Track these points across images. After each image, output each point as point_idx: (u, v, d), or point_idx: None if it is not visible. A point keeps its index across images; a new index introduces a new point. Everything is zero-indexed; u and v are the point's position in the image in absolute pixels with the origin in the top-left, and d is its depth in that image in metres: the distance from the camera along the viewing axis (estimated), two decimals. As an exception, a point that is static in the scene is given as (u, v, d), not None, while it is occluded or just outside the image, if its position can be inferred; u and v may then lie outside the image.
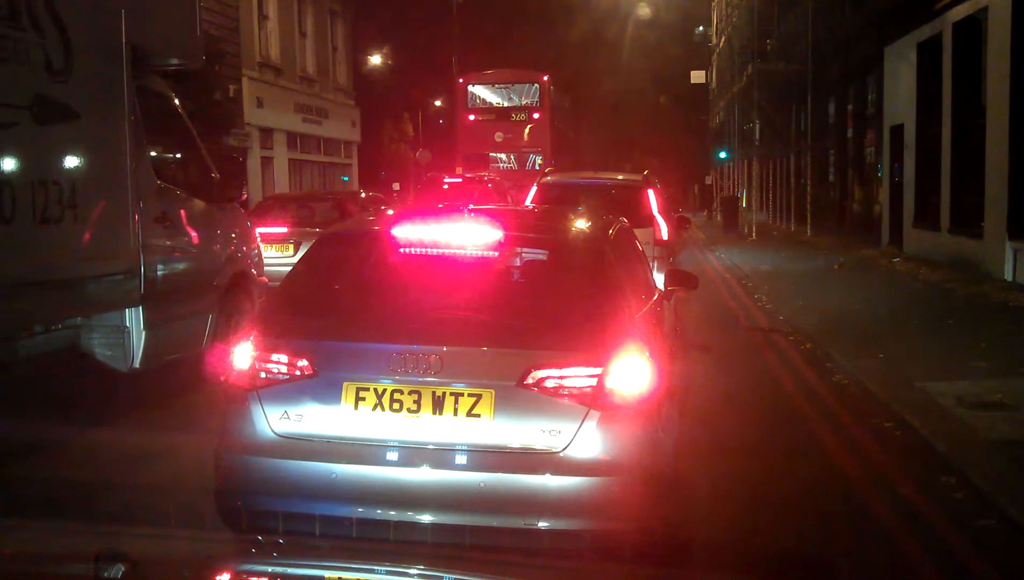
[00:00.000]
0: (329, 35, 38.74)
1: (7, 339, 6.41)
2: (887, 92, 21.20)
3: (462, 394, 4.01)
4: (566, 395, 4.00)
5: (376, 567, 2.20)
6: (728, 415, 7.68)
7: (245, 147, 29.61)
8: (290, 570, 2.22)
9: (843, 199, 26.35)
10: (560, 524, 3.86)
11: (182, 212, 7.95)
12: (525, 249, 5.06)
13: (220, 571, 2.17)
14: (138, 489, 5.11)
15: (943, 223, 17.51)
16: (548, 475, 3.90)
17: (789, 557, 2.66)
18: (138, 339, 7.21)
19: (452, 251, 4.60)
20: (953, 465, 5.73)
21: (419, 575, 2.22)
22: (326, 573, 2.21)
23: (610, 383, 4.02)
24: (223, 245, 8.72)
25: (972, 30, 15.95)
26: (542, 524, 3.85)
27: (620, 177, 15.14)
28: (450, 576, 2.21)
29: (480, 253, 4.64)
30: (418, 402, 4.03)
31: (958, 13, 16.55)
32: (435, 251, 4.62)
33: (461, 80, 32.74)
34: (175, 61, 8.32)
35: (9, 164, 5.95)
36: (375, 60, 46.25)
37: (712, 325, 11.68)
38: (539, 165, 29.41)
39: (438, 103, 58.14)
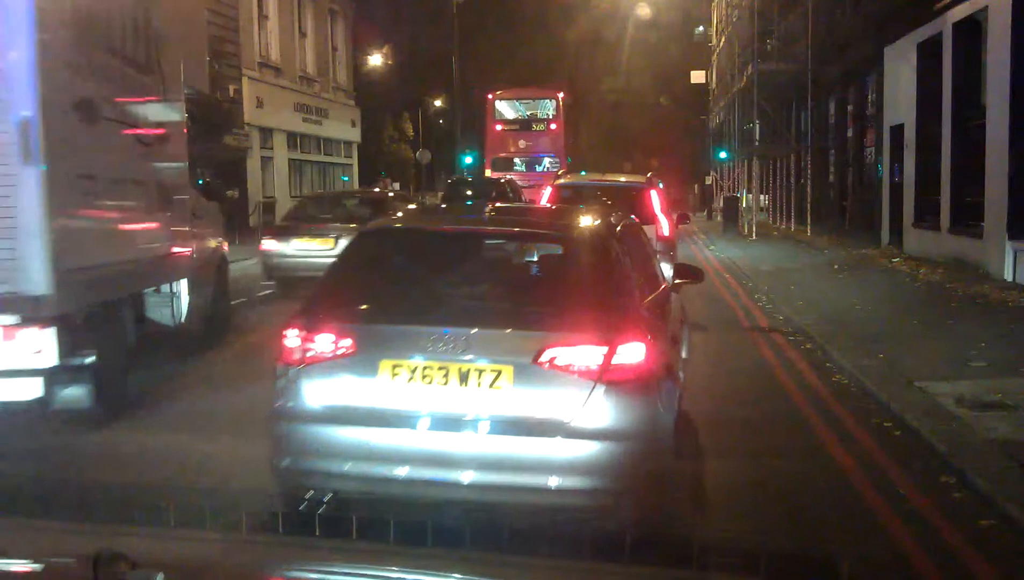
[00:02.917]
0: (329, 35, 38.73)
1: (140, 295, 8.90)
2: (887, 92, 21.21)
3: (485, 370, 4.54)
4: (575, 371, 4.50)
5: (377, 568, 2.22)
6: (727, 415, 7.70)
7: (245, 147, 29.61)
8: (290, 572, 2.23)
9: (843, 199, 26.36)
10: (569, 483, 4.48)
11: (201, 208, 10.47)
12: (542, 244, 5.83)
13: (220, 571, 2.17)
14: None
15: (943, 223, 17.52)
16: (559, 439, 4.45)
17: (789, 557, 2.72)
18: (184, 302, 9.62)
19: (476, 245, 5.62)
20: (953, 465, 5.73)
21: (419, 576, 2.22)
22: (326, 575, 2.22)
23: (614, 361, 4.49)
24: (216, 233, 11.24)
25: (972, 30, 15.97)
26: (553, 482, 4.47)
27: (626, 179, 16.50)
28: (451, 578, 2.23)
29: (501, 247, 5.71)
30: (446, 377, 4.57)
31: (958, 13, 16.56)
32: (461, 245, 5.58)
33: (490, 96, 38.02)
34: (191, 90, 10.29)
35: (143, 175, 8.37)
36: (375, 60, 46.26)
37: (712, 324, 11.68)
38: (550, 168, 34.54)
39: (438, 103, 58.18)
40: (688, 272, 6.92)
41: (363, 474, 4.63)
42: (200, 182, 11.45)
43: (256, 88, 30.84)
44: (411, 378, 4.59)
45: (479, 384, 4.54)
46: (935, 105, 17.75)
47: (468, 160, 51.68)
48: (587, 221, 5.80)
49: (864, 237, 22.50)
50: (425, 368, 4.58)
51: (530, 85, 40.15)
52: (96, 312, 7.20)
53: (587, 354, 4.52)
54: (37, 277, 6.25)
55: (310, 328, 4.77)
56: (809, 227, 28.19)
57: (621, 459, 4.50)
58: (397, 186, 44.97)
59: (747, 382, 8.87)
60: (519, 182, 30.59)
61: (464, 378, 4.55)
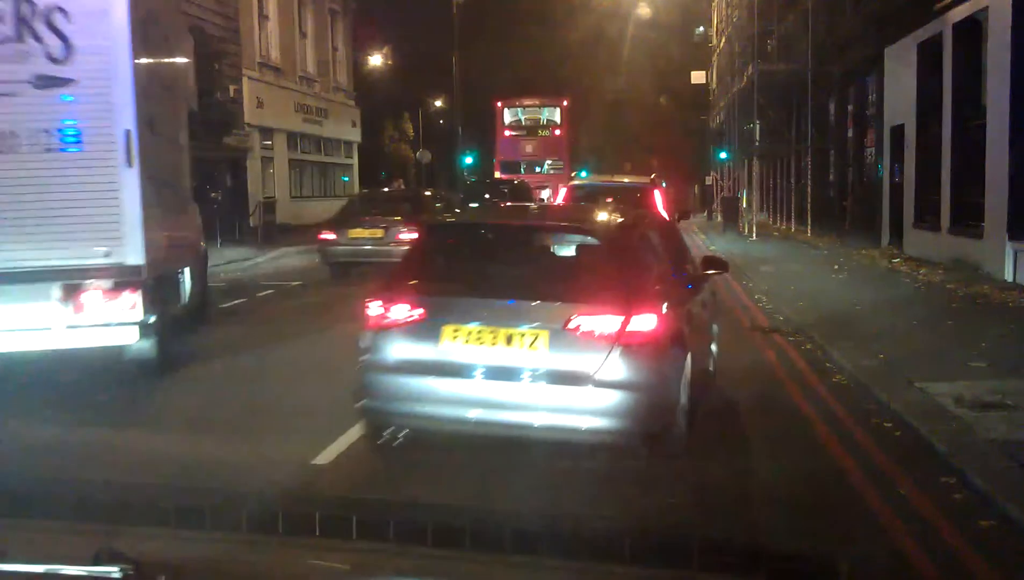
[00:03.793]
0: (329, 35, 38.72)
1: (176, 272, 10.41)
2: (887, 92, 21.21)
3: (525, 333, 5.71)
4: (598, 336, 5.64)
5: (377, 568, 2.24)
6: (727, 414, 7.70)
7: (245, 147, 29.60)
8: (290, 572, 2.23)
9: (843, 199, 26.35)
10: (592, 423, 5.69)
11: (195, 205, 12.02)
12: (574, 235, 7.00)
13: (220, 571, 2.18)
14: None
15: (943, 223, 17.52)
16: (585, 388, 5.62)
17: (789, 556, 2.78)
18: (187, 285, 10.86)
19: (521, 236, 7.14)
20: (953, 465, 5.73)
21: (419, 576, 2.23)
22: (326, 575, 2.24)
23: (629, 328, 5.62)
24: (201, 231, 12.56)
25: (972, 30, 15.97)
26: (580, 422, 5.70)
27: (631, 180, 18.76)
28: (451, 578, 2.25)
29: (541, 238, 7.15)
30: (495, 339, 5.75)
31: (958, 13, 16.57)
32: (509, 236, 7.10)
33: (499, 104, 40.68)
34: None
35: (175, 177, 10.33)
36: (376, 60, 46.26)
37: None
38: (555, 170, 37.90)
39: (439, 103, 58.16)
40: (715, 263, 8.23)
41: (430, 414, 5.95)
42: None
43: (256, 88, 30.83)
44: (467, 340, 5.80)
45: (521, 345, 5.71)
46: (935, 105, 17.76)
47: (468, 160, 51.64)
48: (612, 218, 7.21)
49: (864, 237, 22.50)
50: (479, 332, 5.78)
51: (536, 93, 42.43)
52: (156, 282, 8.89)
53: (607, 322, 5.65)
54: (134, 252, 8.20)
55: (389, 300, 6.00)
56: (809, 227, 28.17)
57: (634, 405, 5.68)
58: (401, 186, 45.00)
59: (747, 382, 8.87)
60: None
61: (509, 340, 5.72)
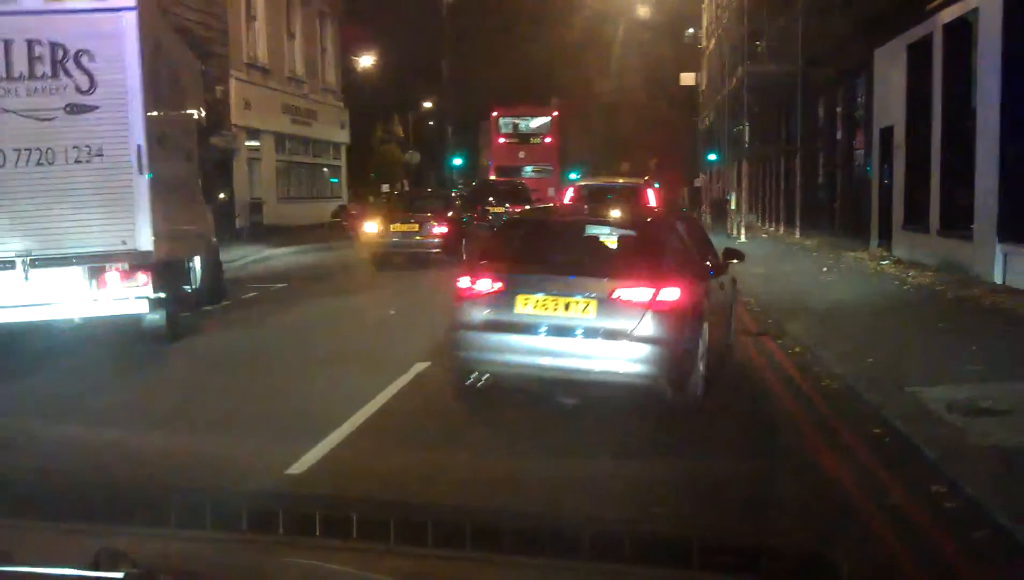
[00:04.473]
0: (318, 36, 38.53)
1: (184, 260, 12.64)
2: (877, 94, 21.14)
3: (579, 301, 7.36)
4: (634, 303, 7.25)
5: (377, 568, 2.25)
6: (716, 420, 7.58)
7: (231, 148, 29.39)
8: (290, 572, 2.25)
9: (832, 201, 26.28)
10: (629, 368, 7.27)
11: (206, 205, 14.37)
12: (617, 228, 8.89)
13: (220, 571, 2.20)
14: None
15: (932, 225, 17.44)
16: (624, 342, 7.23)
17: (789, 557, 2.76)
18: (198, 271, 13.30)
19: (576, 228, 8.94)
20: (945, 473, 5.60)
21: (419, 576, 2.26)
22: (327, 575, 2.25)
23: (658, 298, 7.23)
24: (212, 225, 15.01)
25: (962, 31, 15.88)
26: (619, 367, 7.29)
27: (628, 180, 22.65)
28: (451, 578, 2.28)
29: (594, 230, 8.79)
30: (556, 305, 7.40)
31: (948, 14, 16.49)
32: (566, 228, 9.10)
33: (494, 113, 44.54)
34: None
35: (185, 178, 12.70)
36: (365, 62, 46.03)
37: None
38: (546, 175, 41.73)
39: (428, 105, 57.96)
40: (734, 254, 9.94)
41: (506, 361, 7.62)
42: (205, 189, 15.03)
43: (244, 89, 30.63)
44: (535, 306, 7.44)
45: (576, 310, 7.36)
46: (925, 107, 17.68)
47: (457, 161, 51.50)
48: (648, 215, 10.27)
49: (853, 239, 22.43)
50: (544, 300, 7.43)
51: (529, 104, 46.74)
52: (166, 266, 10.93)
53: (641, 293, 7.27)
54: (145, 239, 10.21)
55: (474, 276, 7.75)
56: (798, 229, 28.11)
57: (660, 355, 7.22)
58: (387, 188, 44.83)
59: (736, 387, 8.75)
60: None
61: (567, 306, 7.38)
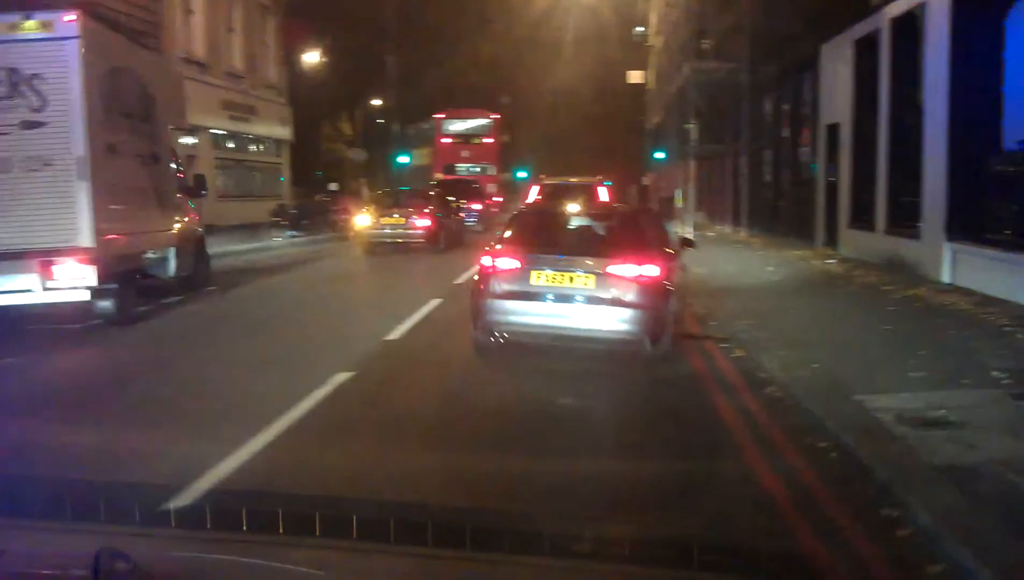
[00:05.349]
0: (259, 31, 37.59)
1: (147, 253, 14.05)
2: (823, 91, 20.84)
3: (580, 276, 9.03)
4: (624, 277, 8.94)
5: (378, 568, 2.32)
6: (645, 432, 7.03)
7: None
8: (291, 572, 2.27)
9: (778, 199, 25.99)
10: (619, 327, 8.93)
11: (181, 201, 15.70)
12: (606, 220, 10.53)
13: (220, 571, 2.21)
14: None
15: (879, 223, 17.14)
16: (616, 307, 8.91)
17: (788, 557, 2.94)
18: (172, 262, 14.85)
19: (574, 219, 10.43)
20: (896, 495, 5.08)
21: (419, 576, 2.31)
22: (327, 574, 2.27)
23: (642, 273, 8.94)
24: (195, 221, 16.53)
25: (910, 26, 15.54)
26: (612, 326, 8.94)
27: (583, 179, 25.40)
28: (451, 578, 2.32)
29: (587, 221, 10.32)
30: (561, 279, 9.07)
31: (896, 8, 16.18)
32: (568, 219, 10.49)
33: (438, 116, 47.53)
34: (174, 125, 16.25)
35: (149, 180, 13.85)
36: (311, 58, 45.01)
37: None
38: (487, 172, 44.96)
39: (378, 102, 56.99)
40: (688, 241, 12.20)
41: (520, 322, 9.23)
42: (184, 186, 16.32)
43: (178, 84, 29.62)
44: (547, 280, 9.14)
45: (578, 283, 9.04)
46: (872, 103, 17.37)
47: (403, 159, 50.97)
48: (628, 210, 13.51)
49: (799, 238, 22.13)
50: (553, 275, 9.12)
51: (471, 108, 49.34)
52: (117, 259, 12.26)
53: (629, 269, 8.97)
54: (86, 237, 11.51)
55: (497, 255, 9.44)
56: (745, 228, 27.80)
57: (644, 317, 8.91)
58: (336, 187, 43.99)
59: (673, 396, 8.23)
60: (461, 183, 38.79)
61: (571, 280, 9.06)
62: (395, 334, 11.21)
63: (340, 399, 8.03)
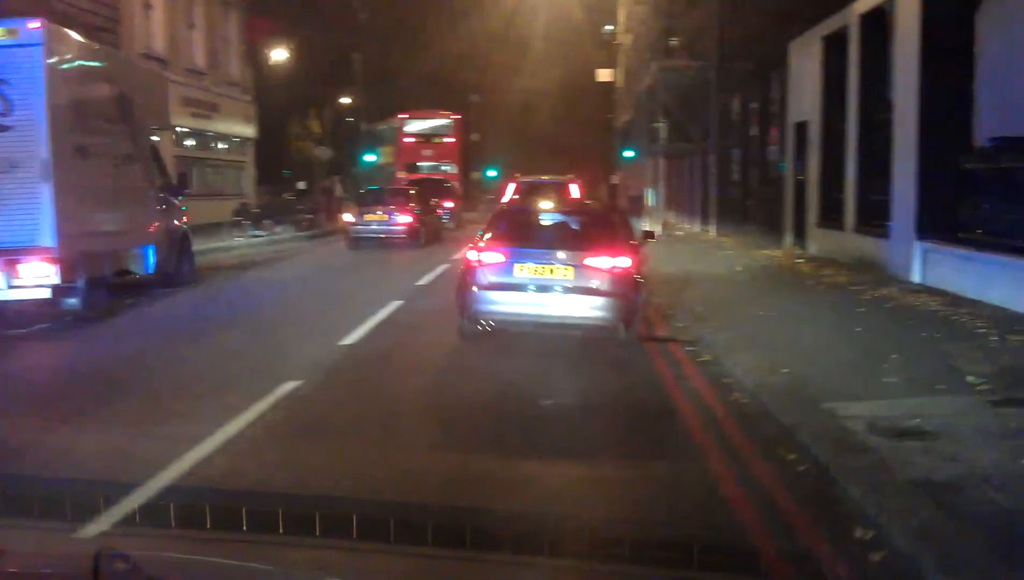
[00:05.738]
0: (221, 27, 36.95)
1: (123, 250, 14.37)
2: (792, 88, 20.60)
3: (559, 268, 9.85)
4: (599, 269, 9.79)
5: (378, 567, 2.36)
6: (604, 442, 6.66)
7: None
8: (291, 571, 2.30)
9: (747, 198, 25.75)
10: (595, 314, 9.77)
11: (163, 200, 16.15)
12: (582, 216, 11.32)
13: (220, 571, 2.23)
14: None
15: (848, 222, 16.90)
16: (592, 296, 9.75)
17: (788, 557, 3.14)
18: (151, 260, 15.09)
19: (552, 216, 11.16)
20: (869, 514, 4.74)
21: (419, 575, 2.37)
22: (327, 574, 2.29)
23: (615, 265, 9.83)
24: (177, 217, 16.81)
25: (879, 22, 15.28)
26: (588, 313, 9.77)
27: (552, 177, 28.04)
28: (451, 578, 2.40)
29: (563, 218, 11.06)
30: (543, 270, 9.84)
31: (864, 4, 15.93)
32: (546, 216, 11.17)
33: (400, 116, 48.46)
34: (156, 125, 17.03)
35: (125, 181, 14.29)
36: (277, 55, 44.33)
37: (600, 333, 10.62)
38: (449, 170, 45.55)
39: (346, 100, 56.36)
40: (650, 234, 13.75)
41: (507, 311, 9.98)
42: (166, 184, 16.59)
43: (138, 80, 28.97)
44: (529, 271, 9.84)
45: (558, 274, 9.81)
46: (840, 101, 17.14)
47: (370, 158, 50.58)
48: (600, 207, 14.02)
49: (768, 237, 21.88)
50: (535, 267, 9.84)
51: (433, 109, 50.31)
52: (85, 257, 12.43)
53: (604, 261, 9.80)
54: (48, 237, 11.79)
55: (481, 250, 10.14)
56: (714, 227, 27.56)
57: (616, 305, 9.72)
58: (303, 185, 43.43)
59: (635, 403, 7.87)
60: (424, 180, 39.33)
61: (552, 272, 9.82)
62: (351, 339, 10.81)
63: (283, 410, 7.59)
